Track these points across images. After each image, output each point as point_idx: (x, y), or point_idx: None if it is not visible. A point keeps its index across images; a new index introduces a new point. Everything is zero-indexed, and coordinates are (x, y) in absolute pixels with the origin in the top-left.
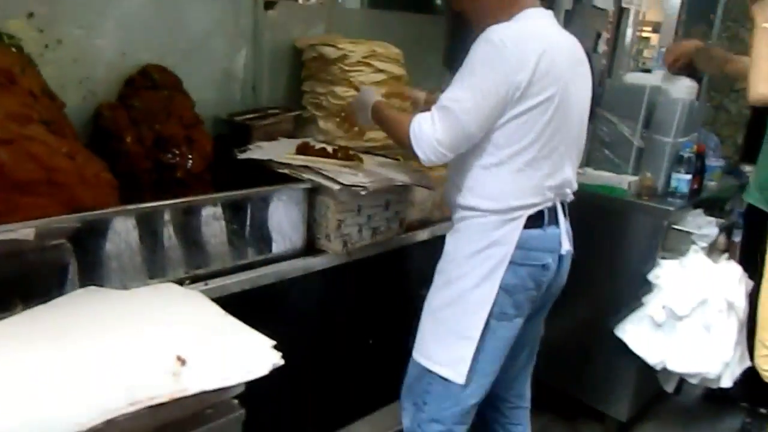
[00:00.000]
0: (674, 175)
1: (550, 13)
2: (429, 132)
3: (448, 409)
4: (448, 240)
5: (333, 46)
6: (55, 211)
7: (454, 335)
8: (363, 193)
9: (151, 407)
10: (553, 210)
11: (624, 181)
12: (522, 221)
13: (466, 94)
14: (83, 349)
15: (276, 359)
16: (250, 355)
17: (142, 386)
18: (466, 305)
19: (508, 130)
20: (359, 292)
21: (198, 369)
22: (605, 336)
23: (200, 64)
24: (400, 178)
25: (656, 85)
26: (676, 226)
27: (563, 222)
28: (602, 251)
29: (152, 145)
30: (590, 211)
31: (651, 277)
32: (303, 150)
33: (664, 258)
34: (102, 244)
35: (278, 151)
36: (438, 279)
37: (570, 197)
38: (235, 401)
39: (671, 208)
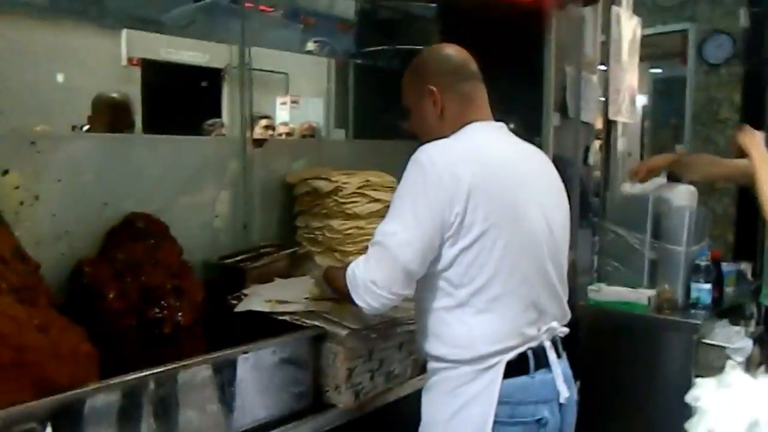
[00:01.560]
0: (694, 286)
1: (500, 125)
2: (362, 274)
3: None
4: (423, 399)
5: (326, 179)
6: (24, 396)
7: None
8: (374, 336)
9: None
10: (539, 351)
11: (642, 295)
12: (500, 370)
13: (397, 225)
14: None
15: None
16: None
17: None
18: None
19: (461, 267)
20: None
21: None
22: None
23: (188, 207)
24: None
25: (657, 194)
26: (706, 341)
27: (557, 363)
28: (631, 374)
29: (137, 300)
30: (611, 331)
31: (689, 399)
32: None
33: (699, 376)
34: (82, 425)
35: (275, 294)
36: None
37: (562, 332)
38: None
39: (698, 322)
